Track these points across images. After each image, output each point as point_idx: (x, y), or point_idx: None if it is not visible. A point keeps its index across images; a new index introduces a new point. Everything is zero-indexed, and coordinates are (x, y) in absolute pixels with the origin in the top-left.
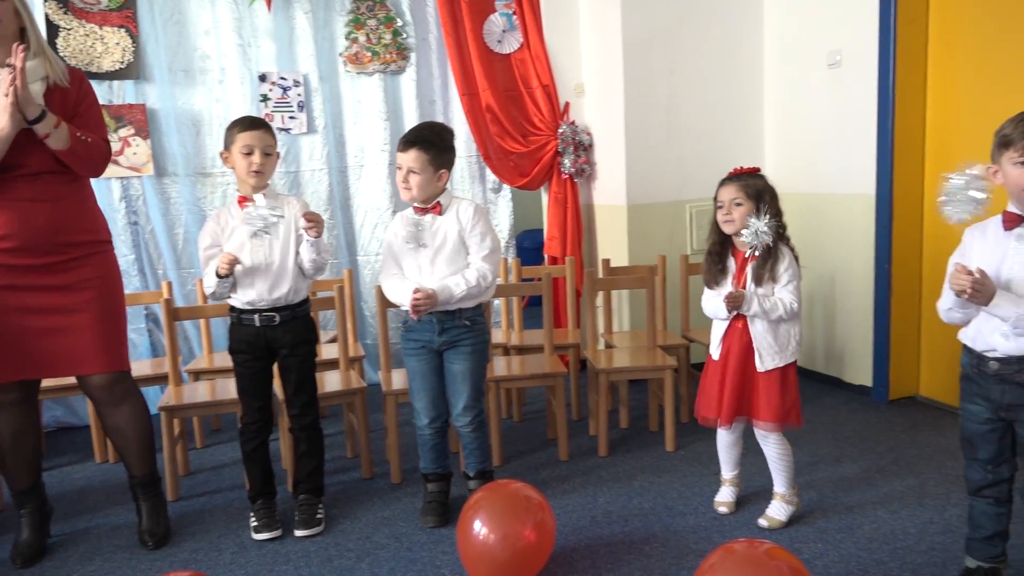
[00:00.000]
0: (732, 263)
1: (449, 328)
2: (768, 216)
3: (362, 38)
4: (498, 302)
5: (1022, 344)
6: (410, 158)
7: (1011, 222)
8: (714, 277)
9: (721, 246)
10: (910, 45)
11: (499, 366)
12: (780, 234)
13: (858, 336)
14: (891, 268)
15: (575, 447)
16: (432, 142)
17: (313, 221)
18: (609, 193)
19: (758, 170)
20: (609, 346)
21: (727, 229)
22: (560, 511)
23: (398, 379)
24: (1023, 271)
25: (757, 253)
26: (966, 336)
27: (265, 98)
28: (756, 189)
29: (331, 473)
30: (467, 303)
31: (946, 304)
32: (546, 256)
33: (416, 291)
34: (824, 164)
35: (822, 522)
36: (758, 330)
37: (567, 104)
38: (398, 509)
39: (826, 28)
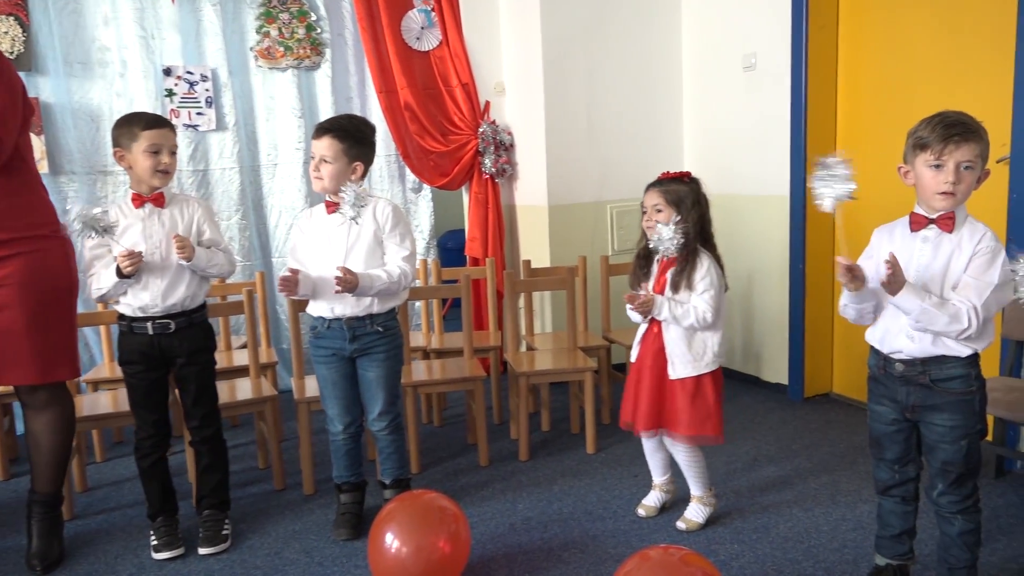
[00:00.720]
0: (655, 268)
1: (361, 335)
2: (676, 224)
3: (274, 32)
4: (418, 304)
5: (926, 346)
6: (323, 146)
7: (918, 224)
8: (637, 280)
9: (647, 250)
10: (821, 49)
11: (418, 370)
12: (706, 241)
13: (775, 335)
14: (805, 268)
15: (496, 452)
16: (348, 131)
17: (181, 245)
18: (530, 193)
19: (688, 175)
20: (531, 348)
21: (649, 235)
22: (478, 519)
23: (311, 386)
24: (928, 272)
25: (665, 258)
26: (873, 338)
27: (170, 93)
28: (677, 196)
29: (241, 485)
30: (379, 306)
31: (842, 300)
32: (467, 257)
33: (341, 268)
34: (741, 166)
35: (739, 522)
36: (671, 336)
37: (487, 103)
38: (310, 522)
39: (742, 31)
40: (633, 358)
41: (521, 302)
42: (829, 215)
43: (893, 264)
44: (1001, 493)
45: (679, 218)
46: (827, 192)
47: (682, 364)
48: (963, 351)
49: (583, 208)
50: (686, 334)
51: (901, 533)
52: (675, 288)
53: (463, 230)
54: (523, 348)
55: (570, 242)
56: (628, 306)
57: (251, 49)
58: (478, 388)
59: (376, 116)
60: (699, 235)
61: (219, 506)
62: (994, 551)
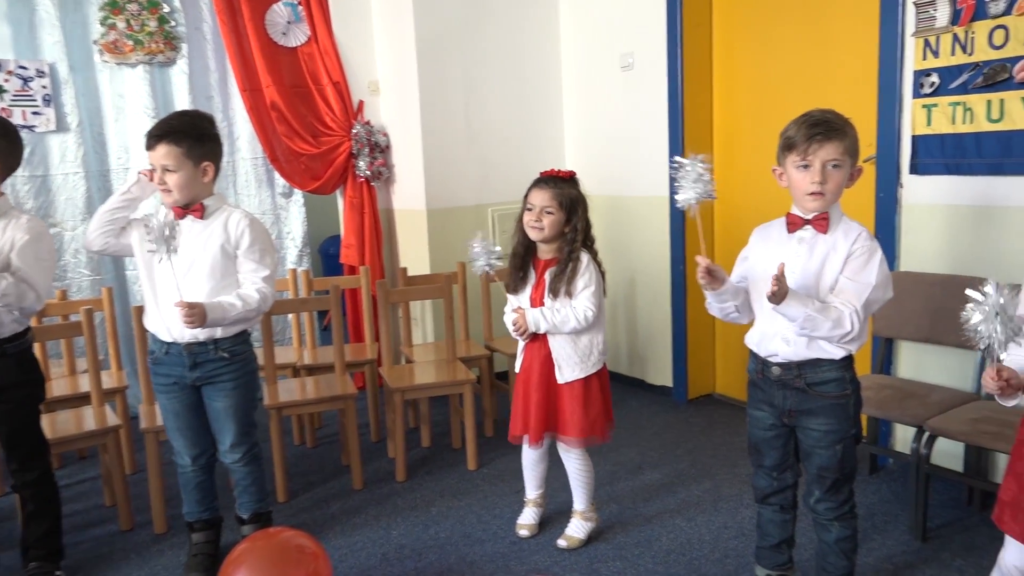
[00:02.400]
0: (533, 272)
1: (204, 362)
2: (498, 248)
3: (121, 24)
4: (289, 317)
5: (801, 349)
6: (160, 155)
7: (793, 225)
8: (515, 283)
9: (525, 249)
10: (696, 49)
11: (287, 389)
12: (587, 245)
13: (659, 338)
14: (685, 269)
15: (372, 472)
16: (184, 132)
17: None
18: (408, 197)
19: (573, 175)
20: (408, 361)
21: (533, 235)
22: (348, 550)
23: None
24: (804, 274)
25: (478, 270)
26: (751, 341)
27: (0, 90)
28: (571, 199)
29: (83, 527)
30: (223, 330)
31: (707, 299)
32: (344, 265)
33: (180, 303)
34: (622, 166)
35: (621, 536)
36: (556, 341)
37: (361, 103)
38: (159, 566)
39: (619, 31)
40: (518, 368)
41: (399, 312)
42: (708, 214)
43: (779, 278)
44: (875, 490)
45: (577, 222)
46: (684, 192)
47: (570, 367)
48: (837, 353)
49: (463, 212)
50: (571, 337)
51: (780, 543)
52: (554, 293)
53: (339, 236)
54: (401, 361)
55: (450, 247)
56: (505, 315)
57: (95, 43)
58: (350, 406)
59: (240, 116)
60: (583, 240)
61: (48, 557)
62: (869, 551)
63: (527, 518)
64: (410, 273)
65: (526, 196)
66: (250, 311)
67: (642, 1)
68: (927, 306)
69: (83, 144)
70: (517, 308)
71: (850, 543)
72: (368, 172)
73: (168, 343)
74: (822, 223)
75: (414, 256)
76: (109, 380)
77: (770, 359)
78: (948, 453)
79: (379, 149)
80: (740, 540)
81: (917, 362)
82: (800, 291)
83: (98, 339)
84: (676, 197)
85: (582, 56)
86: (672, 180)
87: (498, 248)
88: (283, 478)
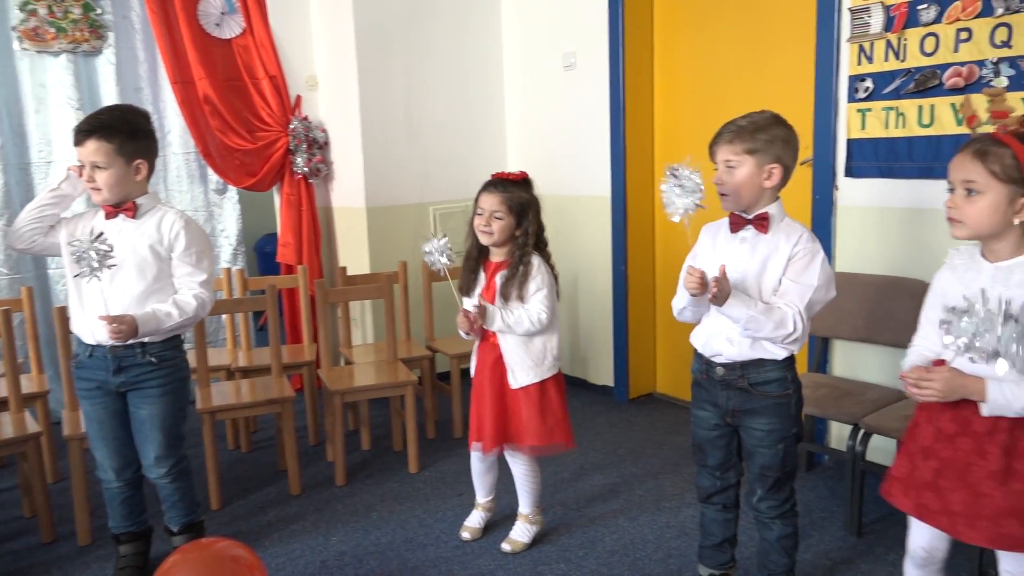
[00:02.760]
0: (483, 274)
1: (129, 366)
2: (445, 238)
3: (42, 11)
4: (223, 318)
5: (745, 350)
6: (89, 151)
7: (736, 225)
8: (468, 285)
9: (478, 252)
10: (638, 49)
11: (220, 392)
12: (540, 248)
13: (600, 337)
14: (627, 269)
15: (311, 477)
16: (115, 128)
17: None
18: (347, 195)
19: (524, 176)
20: (348, 362)
21: (483, 240)
22: (285, 559)
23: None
24: (745, 274)
25: (435, 267)
26: (697, 341)
27: None
28: (520, 203)
29: (0, 540)
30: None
31: (680, 304)
32: (282, 264)
33: (105, 317)
34: (564, 166)
35: (565, 538)
36: (508, 344)
37: (298, 98)
38: None
39: (561, 30)
40: (472, 370)
41: (338, 312)
42: (649, 214)
43: (720, 280)
44: (812, 487)
45: (527, 227)
46: (677, 202)
47: (523, 371)
48: (780, 354)
49: (404, 210)
50: (523, 340)
51: (723, 542)
52: (505, 297)
53: (275, 234)
54: (341, 362)
55: (390, 246)
56: (462, 331)
57: (13, 29)
58: (287, 409)
59: (171, 109)
60: (535, 243)
61: None
62: (807, 547)
63: (473, 521)
64: (349, 272)
65: (476, 199)
66: (187, 319)
67: (585, 0)
68: (862, 306)
69: (1, 136)
70: (467, 309)
71: (791, 540)
72: (306, 169)
73: (92, 346)
74: (762, 223)
75: (353, 255)
76: (29, 384)
77: (714, 359)
78: (880, 449)
79: (317, 145)
80: (682, 539)
81: (852, 361)
82: (742, 292)
83: (17, 341)
84: (668, 208)
85: (525, 54)
86: (664, 190)
87: (450, 246)
88: (217, 484)
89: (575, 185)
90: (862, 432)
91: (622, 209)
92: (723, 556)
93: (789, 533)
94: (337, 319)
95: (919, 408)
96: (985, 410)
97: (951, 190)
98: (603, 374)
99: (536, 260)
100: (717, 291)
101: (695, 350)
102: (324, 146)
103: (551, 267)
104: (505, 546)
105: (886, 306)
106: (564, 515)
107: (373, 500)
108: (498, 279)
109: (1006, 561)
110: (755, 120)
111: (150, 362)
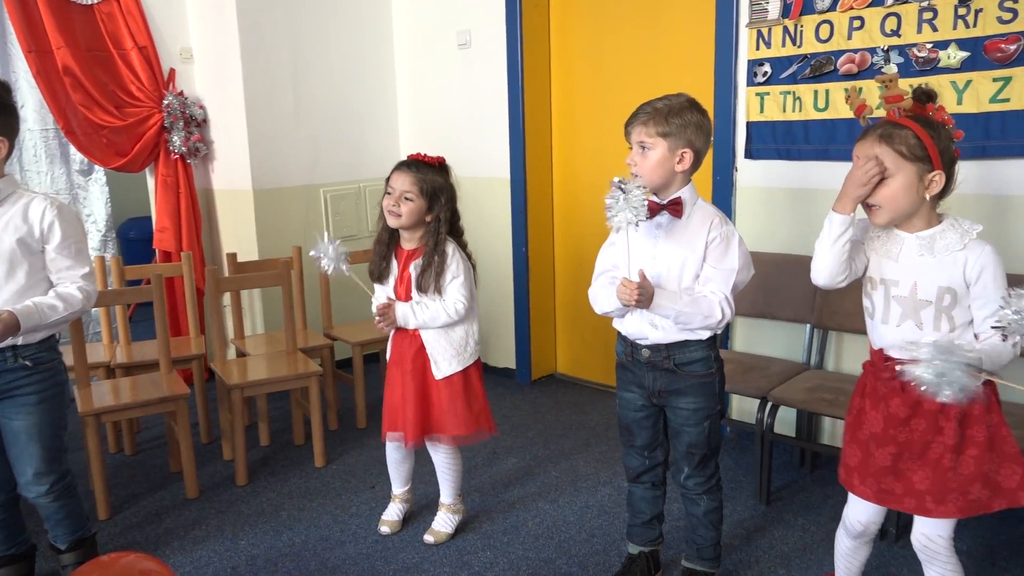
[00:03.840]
0: (396, 263)
1: (0, 372)
2: (340, 246)
3: None
4: (96, 311)
5: (670, 333)
6: None
7: (651, 211)
8: (379, 271)
9: (389, 236)
10: (535, 28)
11: (102, 392)
12: (455, 235)
13: (501, 320)
14: (527, 251)
15: (208, 478)
16: None
17: None
18: (231, 176)
19: (442, 161)
20: (242, 354)
21: (390, 222)
22: (191, 567)
23: None
24: (667, 265)
25: (329, 273)
26: (621, 326)
27: None
28: (433, 187)
29: None
30: (29, 336)
31: (606, 307)
32: (157, 251)
33: None
34: (462, 147)
35: (488, 526)
36: (429, 335)
37: (172, 71)
38: None
39: (455, 8)
40: (387, 357)
41: (226, 301)
42: (548, 195)
43: (642, 286)
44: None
45: (439, 212)
46: (620, 216)
47: (446, 361)
48: (704, 334)
49: (293, 192)
50: (445, 329)
51: (652, 519)
52: (422, 289)
53: (149, 217)
54: (232, 355)
55: (280, 231)
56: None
57: None
58: (181, 407)
59: (25, 81)
60: (450, 230)
61: None
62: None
63: (391, 514)
64: (237, 259)
65: (388, 178)
66: (73, 313)
67: None
68: (761, 283)
69: None
70: (383, 304)
71: (717, 514)
72: (184, 148)
73: None
74: (676, 208)
75: (239, 240)
76: None
77: (639, 342)
78: (782, 420)
79: (195, 123)
80: (604, 518)
81: (753, 336)
82: (664, 287)
83: None
84: (611, 219)
85: (416, 32)
86: (609, 203)
87: (346, 253)
88: (104, 492)
89: (473, 167)
90: (770, 405)
91: (522, 191)
92: (652, 533)
93: (715, 507)
94: (224, 309)
95: (859, 396)
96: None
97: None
98: (505, 357)
99: (451, 248)
100: (640, 297)
101: (619, 333)
102: (203, 124)
103: (469, 255)
104: (428, 537)
105: (784, 283)
106: (483, 501)
107: (280, 498)
108: (412, 270)
109: (925, 524)
110: (671, 103)
111: (24, 367)
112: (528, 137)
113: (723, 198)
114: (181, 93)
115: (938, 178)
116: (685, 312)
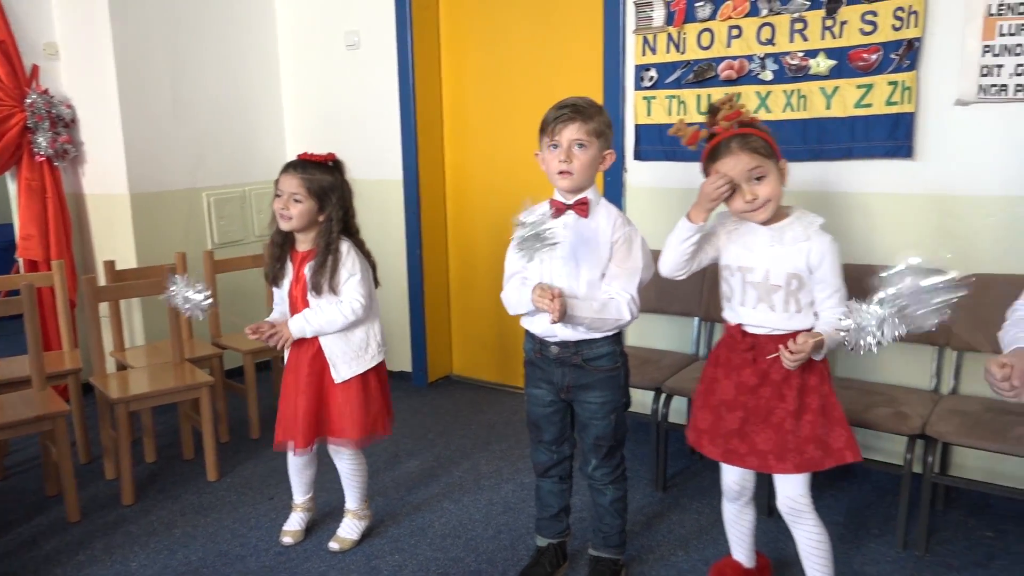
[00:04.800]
0: (291, 265)
1: None
2: (206, 294)
3: None
4: None
5: (580, 329)
6: None
7: (558, 210)
8: (274, 274)
9: (283, 238)
10: (425, 30)
11: None
12: (350, 234)
13: (396, 323)
14: (422, 253)
15: (89, 499)
16: None
17: None
18: (104, 180)
19: (332, 158)
20: (123, 367)
21: (282, 225)
22: None
23: None
24: (572, 256)
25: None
26: (530, 325)
27: None
28: (322, 187)
29: None
30: None
31: (520, 309)
32: (21, 260)
33: None
34: (352, 149)
35: (394, 529)
36: (327, 339)
37: (35, 68)
38: None
39: (342, 8)
40: (284, 360)
41: (104, 311)
42: (441, 197)
43: (559, 302)
44: None
45: (331, 212)
46: (536, 245)
47: (346, 364)
48: (610, 331)
49: (174, 196)
50: (344, 332)
51: (559, 511)
52: (317, 290)
53: (10, 225)
54: (112, 368)
55: (160, 237)
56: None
57: None
58: (60, 426)
59: None
60: (344, 228)
61: None
62: None
63: (293, 524)
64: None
65: (276, 180)
66: None
67: None
68: (653, 280)
69: None
70: (261, 323)
71: (622, 503)
72: (50, 150)
73: None
74: (582, 208)
75: (114, 248)
76: None
77: (548, 339)
78: (675, 410)
79: (63, 123)
80: (509, 514)
81: (646, 330)
82: (574, 296)
83: None
84: (524, 255)
85: (301, 31)
86: (515, 238)
87: (209, 300)
88: None
89: (365, 168)
90: (664, 396)
91: (415, 192)
92: (560, 525)
93: (620, 496)
94: (103, 318)
95: (712, 366)
96: None
97: (733, 192)
98: (400, 360)
99: (345, 246)
100: (557, 315)
101: (527, 331)
102: (71, 124)
103: (367, 253)
104: (333, 545)
105: (672, 279)
106: (387, 504)
107: (172, 516)
108: (307, 270)
109: (784, 487)
110: (591, 104)
111: None
112: (420, 139)
113: (614, 198)
114: (46, 91)
115: (786, 166)
116: (596, 319)
